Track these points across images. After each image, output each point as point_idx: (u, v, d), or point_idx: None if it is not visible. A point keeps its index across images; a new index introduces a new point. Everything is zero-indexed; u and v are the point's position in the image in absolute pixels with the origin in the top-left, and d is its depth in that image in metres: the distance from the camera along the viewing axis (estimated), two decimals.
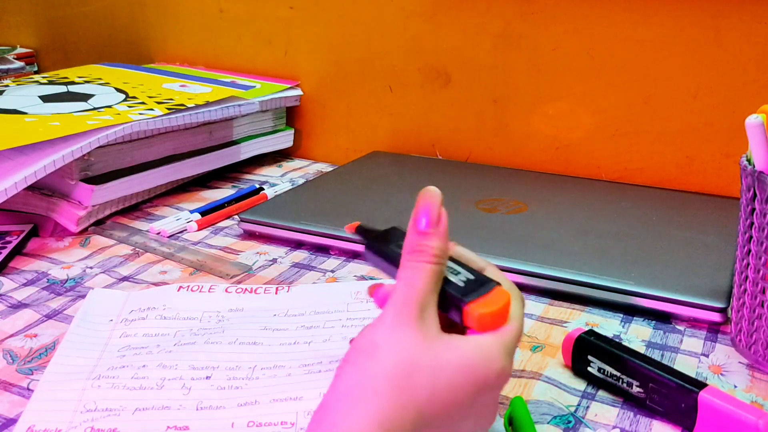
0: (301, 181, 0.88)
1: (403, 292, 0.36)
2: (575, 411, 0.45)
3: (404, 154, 0.93)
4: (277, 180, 0.89)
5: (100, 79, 0.93)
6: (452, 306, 0.37)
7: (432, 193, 0.39)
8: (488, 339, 0.36)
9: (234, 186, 0.86)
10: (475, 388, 0.35)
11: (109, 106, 0.80)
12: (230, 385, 0.46)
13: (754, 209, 0.47)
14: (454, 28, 0.87)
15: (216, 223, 0.75)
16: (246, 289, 0.59)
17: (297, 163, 0.97)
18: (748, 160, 0.48)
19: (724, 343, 0.52)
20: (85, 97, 0.84)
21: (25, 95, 0.84)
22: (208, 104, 0.84)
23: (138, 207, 0.79)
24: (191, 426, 0.43)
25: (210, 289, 0.58)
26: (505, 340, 0.37)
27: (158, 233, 0.72)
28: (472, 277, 0.38)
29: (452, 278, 0.38)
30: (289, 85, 0.98)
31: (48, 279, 0.62)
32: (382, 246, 0.40)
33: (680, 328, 0.54)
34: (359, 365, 0.35)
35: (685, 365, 0.50)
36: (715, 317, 0.53)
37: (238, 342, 0.51)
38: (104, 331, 0.53)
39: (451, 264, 0.39)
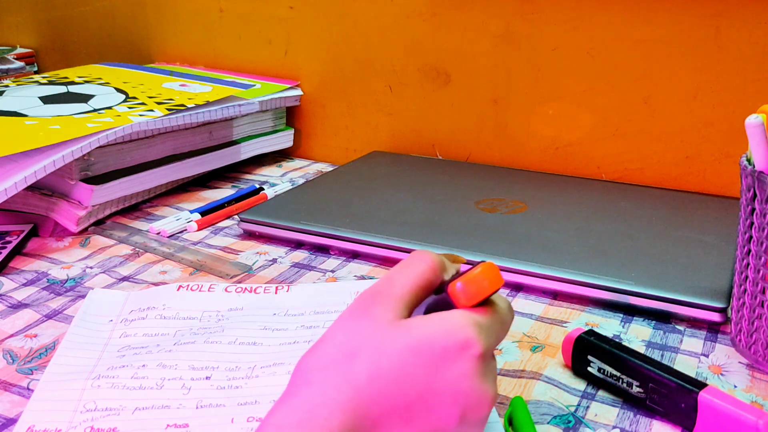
0: (301, 181, 0.88)
1: (366, 290, 0.37)
2: (575, 411, 0.45)
3: (404, 154, 0.93)
4: (277, 180, 0.89)
5: (100, 79, 0.93)
6: (443, 295, 0.37)
7: None
8: (452, 313, 0.35)
9: (234, 186, 0.86)
10: (431, 364, 0.33)
11: (110, 107, 0.80)
12: (230, 384, 0.46)
13: (754, 209, 0.47)
14: (454, 28, 0.88)
15: (216, 223, 0.75)
16: (246, 288, 0.59)
17: (297, 163, 0.97)
18: (748, 160, 0.48)
19: (724, 343, 0.52)
20: (85, 98, 0.84)
21: (25, 96, 0.84)
22: (208, 104, 0.84)
23: (138, 207, 0.79)
24: (191, 424, 0.43)
25: (210, 288, 0.58)
26: (476, 316, 0.35)
27: (158, 233, 0.72)
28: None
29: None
30: (289, 85, 0.98)
31: (48, 279, 0.62)
32: None
33: (680, 328, 0.54)
34: (300, 361, 0.34)
35: (685, 365, 0.50)
36: (715, 317, 0.53)
37: (238, 342, 0.51)
38: (104, 331, 0.53)
39: None
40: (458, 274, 0.37)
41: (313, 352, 0.35)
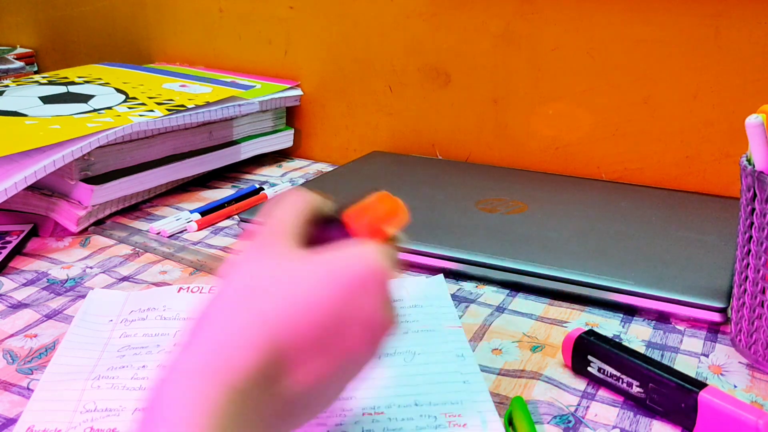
0: (301, 181, 0.88)
1: (256, 235, 0.35)
2: (575, 411, 0.45)
3: (404, 154, 0.93)
4: (277, 180, 0.89)
5: (100, 79, 0.93)
6: (335, 224, 0.37)
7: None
8: (364, 243, 0.35)
9: (234, 186, 0.86)
10: (346, 292, 0.33)
11: (110, 108, 0.80)
12: None
13: (754, 209, 0.47)
14: (454, 28, 0.88)
15: (216, 223, 0.75)
16: None
17: (297, 163, 0.97)
18: (748, 160, 0.48)
19: (724, 343, 0.52)
20: (85, 98, 0.84)
21: (25, 96, 0.84)
22: (208, 104, 0.84)
23: (138, 207, 0.79)
24: None
25: (210, 290, 0.58)
26: (383, 245, 0.36)
27: (158, 233, 0.72)
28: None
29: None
30: (289, 85, 0.98)
31: (48, 279, 0.62)
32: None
33: (680, 328, 0.54)
34: (199, 310, 0.32)
35: (685, 365, 0.50)
36: (715, 317, 0.53)
37: None
38: (104, 331, 0.53)
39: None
40: (354, 206, 0.37)
41: (213, 298, 0.33)
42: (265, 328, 0.31)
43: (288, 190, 0.38)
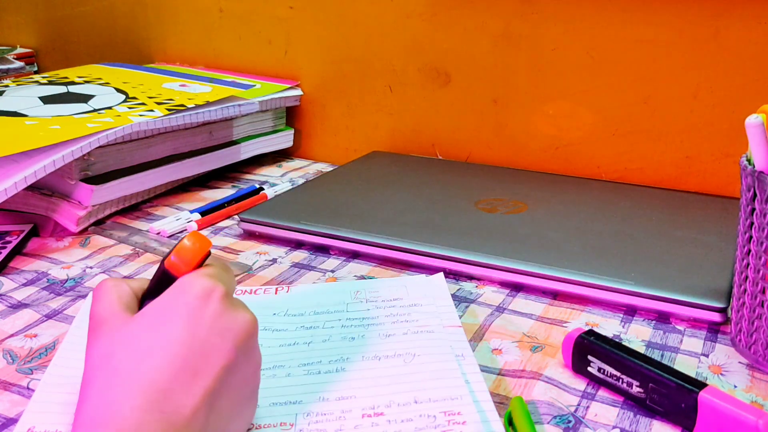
0: (301, 181, 0.88)
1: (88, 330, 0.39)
2: (575, 411, 0.45)
3: (404, 154, 0.94)
4: (277, 180, 0.89)
5: (100, 79, 0.93)
6: (164, 276, 0.39)
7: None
8: (180, 279, 0.38)
9: (234, 186, 0.86)
10: (184, 316, 0.36)
11: (110, 107, 0.80)
12: None
13: (754, 209, 0.47)
14: (454, 28, 0.88)
15: (216, 223, 0.75)
16: (245, 290, 0.59)
17: (297, 163, 0.97)
18: (748, 160, 0.48)
19: (724, 343, 0.52)
20: (85, 98, 0.84)
21: (25, 96, 0.84)
22: (208, 104, 0.84)
23: (138, 207, 0.79)
24: None
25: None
26: (201, 270, 0.39)
27: (158, 233, 0.72)
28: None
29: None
30: (289, 85, 0.98)
31: (48, 279, 0.62)
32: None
33: (680, 328, 0.54)
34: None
35: (685, 365, 0.50)
36: (715, 317, 0.53)
37: None
38: None
39: None
40: (169, 253, 0.40)
41: (84, 377, 0.36)
42: (137, 376, 0.34)
43: (101, 283, 0.41)
